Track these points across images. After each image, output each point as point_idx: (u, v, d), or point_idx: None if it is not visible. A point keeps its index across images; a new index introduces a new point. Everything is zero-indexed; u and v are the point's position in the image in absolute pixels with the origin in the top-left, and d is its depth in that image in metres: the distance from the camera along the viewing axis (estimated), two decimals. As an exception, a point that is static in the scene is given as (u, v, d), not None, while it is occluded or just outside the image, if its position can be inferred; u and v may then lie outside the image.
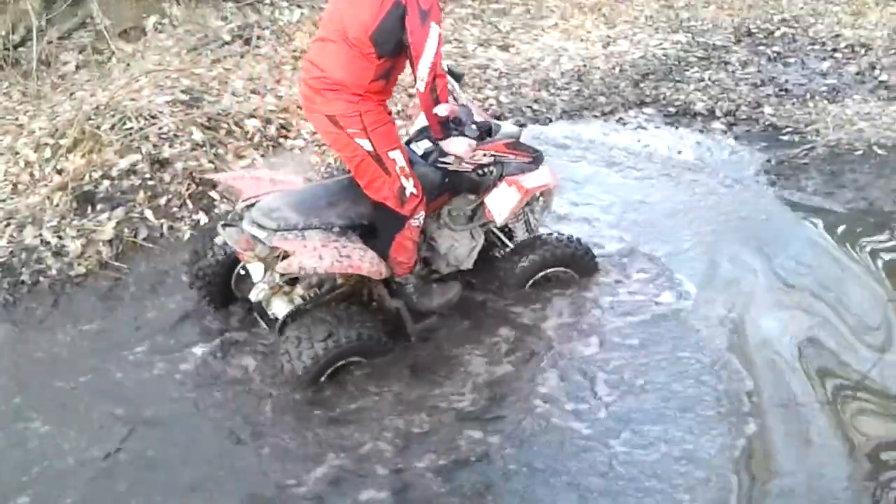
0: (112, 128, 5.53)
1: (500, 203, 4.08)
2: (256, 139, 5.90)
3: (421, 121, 4.14)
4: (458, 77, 4.20)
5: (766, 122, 6.45)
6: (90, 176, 5.24)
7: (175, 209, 5.17)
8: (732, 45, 8.06)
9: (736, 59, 7.71)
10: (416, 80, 3.52)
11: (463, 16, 8.97)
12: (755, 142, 6.18)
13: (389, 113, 3.81)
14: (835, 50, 7.84)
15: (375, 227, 3.94)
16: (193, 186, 5.28)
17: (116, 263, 4.79)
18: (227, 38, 7.60)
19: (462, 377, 3.91)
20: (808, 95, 6.87)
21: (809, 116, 6.45)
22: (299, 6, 8.40)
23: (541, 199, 4.39)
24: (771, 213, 5.19)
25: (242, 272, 4.15)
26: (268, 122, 6.10)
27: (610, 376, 3.85)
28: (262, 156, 5.77)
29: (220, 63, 7.07)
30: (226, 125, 5.89)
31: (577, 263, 4.43)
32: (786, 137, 6.18)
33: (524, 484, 3.31)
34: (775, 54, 7.82)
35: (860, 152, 5.87)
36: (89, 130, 5.48)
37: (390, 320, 4.06)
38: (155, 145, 5.46)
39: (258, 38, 7.70)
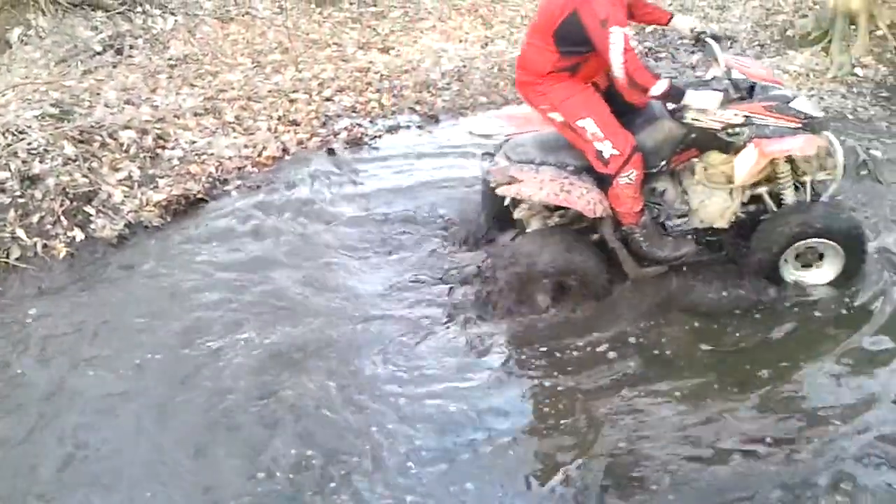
0: (-23, 145, 5.30)
1: (742, 163, 4.09)
2: (132, 151, 5.76)
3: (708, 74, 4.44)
4: (717, 38, 4.33)
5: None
6: (-44, 196, 5.02)
7: (49, 227, 4.99)
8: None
9: (610, 55, 7.92)
10: (610, 68, 3.80)
11: (342, 19, 8.96)
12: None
13: (587, 81, 4.12)
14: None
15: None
16: (67, 202, 5.10)
17: (-12, 285, 4.60)
18: (98, 48, 7.41)
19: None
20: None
21: (680, 108, 6.68)
22: (173, 13, 8.23)
23: (821, 173, 4.28)
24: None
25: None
26: (144, 132, 5.95)
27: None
28: (140, 168, 5.62)
29: (92, 74, 6.89)
30: (99, 138, 5.73)
31: (842, 235, 4.18)
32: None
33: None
34: (647, 49, 8.08)
35: (730, 140, 6.12)
36: (-47, 148, 5.24)
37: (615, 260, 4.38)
38: (24, 161, 5.25)
39: (131, 47, 7.53)
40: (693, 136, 4.15)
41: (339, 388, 3.82)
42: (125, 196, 5.35)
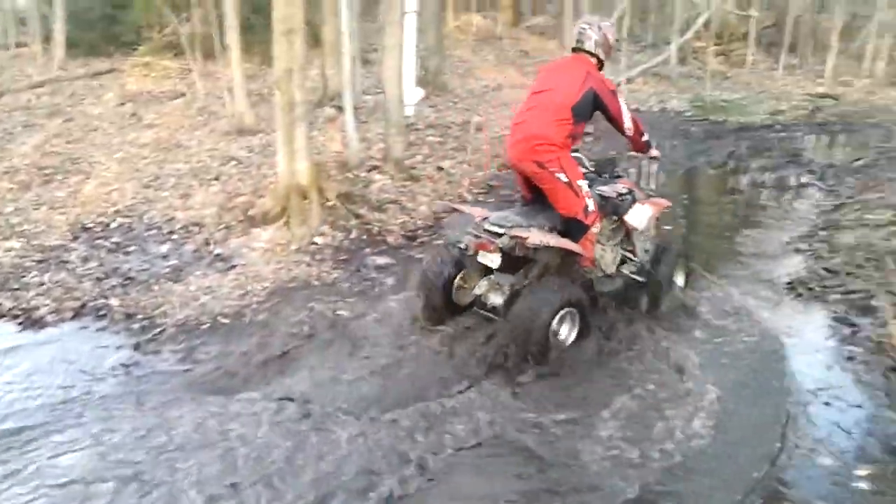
0: None
1: (640, 216, 6.07)
2: None
3: None
4: (580, 159, 6.00)
5: (117, 314, 6.38)
6: None
7: None
8: (70, 242, 7.92)
9: (76, 255, 7.57)
10: (624, 130, 5.67)
11: None
12: (111, 334, 6.09)
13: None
14: (171, 232, 8.20)
15: (567, 232, 5.54)
16: None
17: None
18: None
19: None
20: (152, 280, 7.01)
21: (156, 300, 6.56)
22: None
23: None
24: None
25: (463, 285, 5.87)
26: None
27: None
28: None
29: None
30: None
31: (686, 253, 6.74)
32: (136, 325, 6.18)
33: None
34: (115, 245, 7.89)
35: (208, 325, 6.15)
36: None
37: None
38: None
39: None
40: (603, 203, 5.80)
41: None
42: None
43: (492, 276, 5.66)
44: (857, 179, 10.82)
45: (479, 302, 5.67)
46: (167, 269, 7.28)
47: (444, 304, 5.80)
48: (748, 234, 8.60)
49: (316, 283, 6.97)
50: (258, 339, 5.86)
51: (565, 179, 5.39)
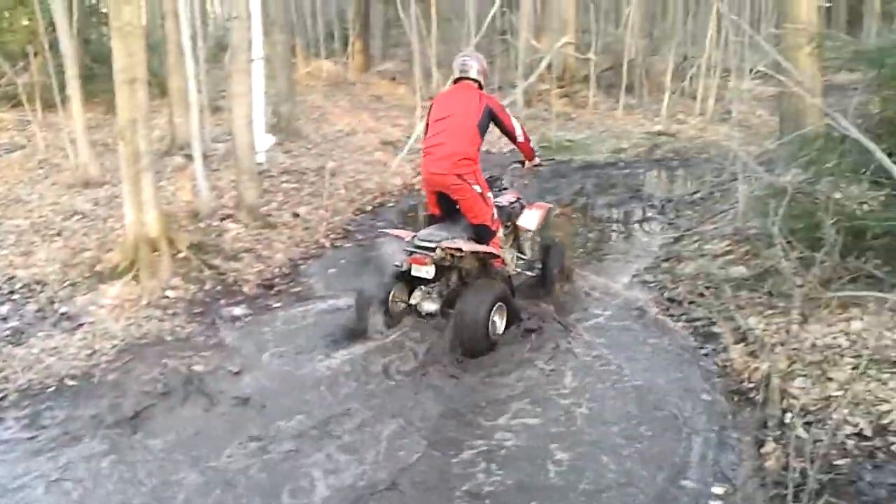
0: None
1: (531, 219, 7.35)
2: None
3: None
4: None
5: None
6: None
7: None
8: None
9: None
10: (516, 138, 6.78)
11: None
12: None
13: None
14: (12, 292, 7.78)
15: (478, 238, 6.44)
16: None
17: None
18: None
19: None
20: (-12, 343, 6.63)
21: (-4, 366, 6.20)
22: None
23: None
24: None
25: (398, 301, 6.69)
26: None
27: None
28: None
29: None
30: None
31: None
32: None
33: None
34: None
35: (53, 388, 5.87)
36: None
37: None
38: None
39: None
40: (499, 211, 6.70)
41: None
42: None
43: (423, 287, 6.53)
44: (695, 212, 11.43)
45: (414, 311, 6.52)
46: (7, 332, 6.90)
47: (383, 318, 6.36)
48: (597, 269, 8.95)
49: (169, 338, 6.79)
50: (109, 400, 5.62)
51: (479, 190, 6.32)
